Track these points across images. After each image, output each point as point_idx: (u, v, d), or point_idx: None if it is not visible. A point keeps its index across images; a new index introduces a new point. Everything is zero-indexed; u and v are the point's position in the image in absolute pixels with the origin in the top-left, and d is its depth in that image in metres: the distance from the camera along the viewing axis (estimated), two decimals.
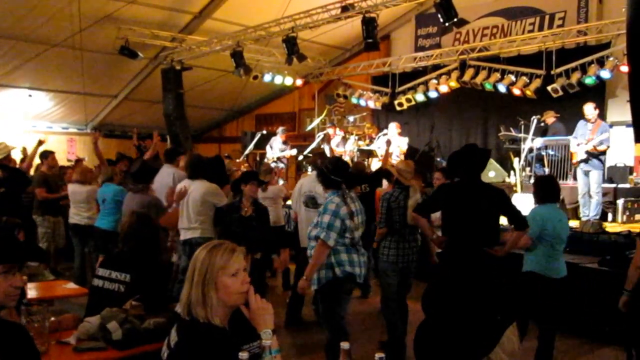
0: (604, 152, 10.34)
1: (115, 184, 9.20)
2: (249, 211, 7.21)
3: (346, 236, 5.79)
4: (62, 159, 14.81)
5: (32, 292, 5.57)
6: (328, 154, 14.24)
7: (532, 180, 11.48)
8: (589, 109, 10.56)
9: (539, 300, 6.26)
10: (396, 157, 13.75)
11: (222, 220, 7.21)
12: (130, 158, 12.88)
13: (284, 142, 16.08)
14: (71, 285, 6.41)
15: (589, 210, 10.33)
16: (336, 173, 5.90)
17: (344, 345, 2.75)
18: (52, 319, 4.35)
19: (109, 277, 4.80)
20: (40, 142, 10.83)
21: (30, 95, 17.00)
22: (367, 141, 15.59)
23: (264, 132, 16.84)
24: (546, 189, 6.54)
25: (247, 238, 6.45)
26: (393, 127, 14.50)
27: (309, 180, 8.33)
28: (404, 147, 14.32)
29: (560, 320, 6.58)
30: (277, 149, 15.88)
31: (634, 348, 5.70)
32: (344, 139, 15.62)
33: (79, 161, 14.73)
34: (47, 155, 11.32)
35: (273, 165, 14.52)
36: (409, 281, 7.19)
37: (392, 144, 14.18)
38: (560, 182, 11.70)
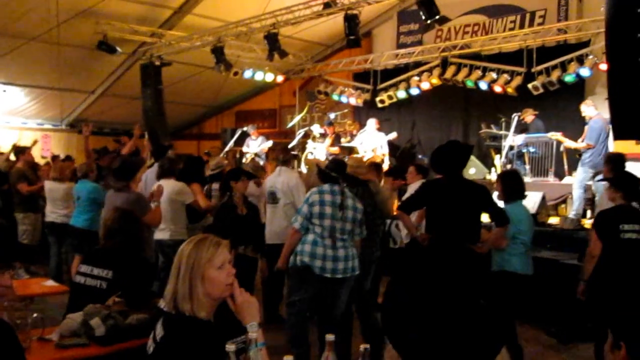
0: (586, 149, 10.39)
1: (91, 180, 9.09)
2: (243, 210, 7.16)
3: (313, 222, 6.01)
4: (36, 156, 14.64)
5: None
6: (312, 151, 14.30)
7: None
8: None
9: (516, 298, 6.30)
10: (372, 153, 13.79)
11: (221, 220, 7.14)
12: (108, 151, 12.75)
13: (257, 138, 16.10)
14: (50, 283, 6.36)
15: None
16: (333, 169, 6.21)
17: (329, 337, 2.77)
18: (34, 315, 4.31)
19: (91, 273, 4.74)
20: (35, 143, 10.75)
21: (4, 91, 16.79)
22: (348, 138, 15.58)
23: (244, 128, 16.76)
24: (513, 186, 6.57)
25: (238, 235, 6.51)
26: (372, 123, 14.52)
27: (272, 176, 8.43)
28: (384, 144, 14.30)
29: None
30: (253, 147, 15.83)
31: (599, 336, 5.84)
32: (323, 136, 15.56)
33: (55, 158, 14.60)
34: (23, 151, 11.20)
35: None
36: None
37: (371, 140, 14.22)
38: (541, 179, 11.82)
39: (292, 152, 14.92)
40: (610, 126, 9.58)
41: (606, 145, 10.44)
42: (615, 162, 7.29)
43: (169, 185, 7.69)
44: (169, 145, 12.97)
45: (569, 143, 11.09)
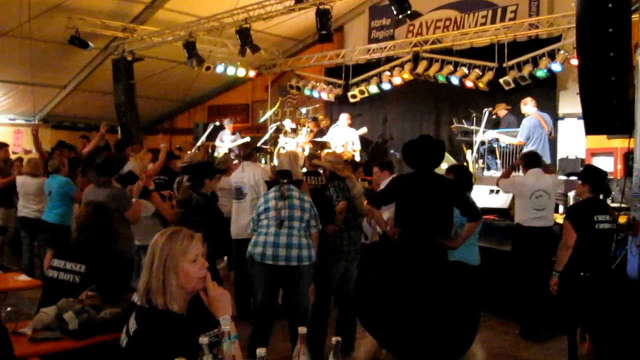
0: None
1: (62, 175, 9.05)
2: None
3: (261, 219, 6.38)
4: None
5: None
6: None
7: (487, 171, 11.71)
8: None
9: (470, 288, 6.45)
10: (342, 148, 13.84)
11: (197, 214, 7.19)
12: (70, 146, 12.69)
13: (233, 134, 16.04)
14: (23, 277, 6.33)
15: None
16: (279, 175, 6.63)
17: (302, 330, 2.80)
18: (8, 309, 4.33)
19: (64, 267, 4.76)
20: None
21: None
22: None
23: (217, 123, 16.69)
24: (463, 179, 6.77)
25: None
26: (344, 119, 14.58)
27: (237, 172, 8.57)
28: (355, 140, 14.34)
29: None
30: (227, 141, 15.79)
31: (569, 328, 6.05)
32: (295, 131, 15.54)
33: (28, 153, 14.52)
34: (1, 146, 11.15)
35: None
36: None
37: (342, 135, 14.26)
38: (512, 174, 11.88)
39: (264, 146, 14.95)
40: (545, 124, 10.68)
41: (543, 142, 11.11)
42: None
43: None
44: (129, 140, 12.91)
45: (504, 138, 11.70)
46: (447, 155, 12.91)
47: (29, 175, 9.65)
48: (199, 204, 6.80)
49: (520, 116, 12.09)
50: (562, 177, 10.49)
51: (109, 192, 7.01)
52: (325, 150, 13.64)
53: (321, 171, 7.55)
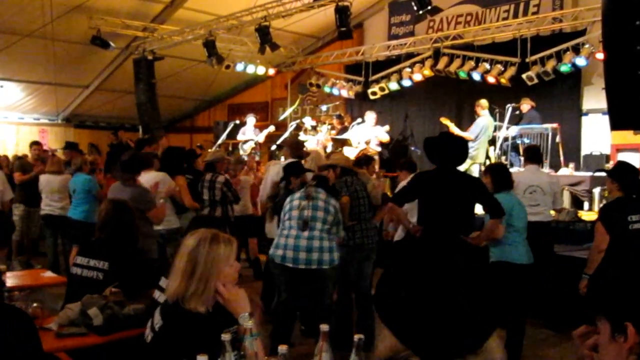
0: None
1: (85, 173, 9.16)
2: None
3: (285, 218, 6.38)
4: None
5: (10, 280, 5.56)
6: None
7: (510, 168, 11.61)
8: None
9: (510, 288, 6.29)
10: (365, 145, 13.77)
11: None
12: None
13: (255, 129, 16.14)
14: (49, 274, 6.39)
15: None
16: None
17: (323, 327, 2.79)
18: (34, 305, 4.40)
19: (87, 265, 4.78)
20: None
21: (1, 86, 16.82)
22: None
23: (237, 122, 16.77)
24: (501, 177, 6.61)
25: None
26: (371, 117, 14.39)
27: (277, 170, 8.40)
28: (383, 137, 14.26)
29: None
30: (250, 136, 15.84)
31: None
32: (315, 129, 15.52)
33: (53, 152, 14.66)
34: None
35: (247, 157, 14.57)
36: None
37: (365, 133, 14.18)
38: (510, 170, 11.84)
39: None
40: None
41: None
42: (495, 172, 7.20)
43: (150, 177, 7.68)
44: (149, 137, 13.00)
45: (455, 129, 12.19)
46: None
47: (53, 173, 9.78)
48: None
49: (542, 112, 11.99)
50: (587, 174, 10.41)
51: (133, 191, 7.03)
52: (345, 148, 13.65)
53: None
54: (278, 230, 6.48)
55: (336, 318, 6.43)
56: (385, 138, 14.28)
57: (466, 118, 14.64)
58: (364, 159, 8.70)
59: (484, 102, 12.18)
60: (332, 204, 6.32)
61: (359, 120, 14.74)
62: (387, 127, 14.65)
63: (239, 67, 16.63)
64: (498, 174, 6.69)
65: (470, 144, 10.63)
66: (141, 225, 6.72)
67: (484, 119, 11.53)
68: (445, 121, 12.48)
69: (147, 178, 7.70)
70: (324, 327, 2.78)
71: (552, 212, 8.49)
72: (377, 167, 11.78)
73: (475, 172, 11.67)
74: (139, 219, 6.61)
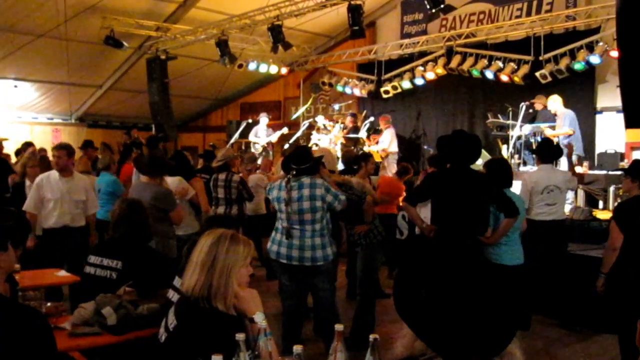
0: None
1: (111, 173, 9.21)
2: None
3: (277, 213, 6.19)
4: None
5: (24, 279, 5.54)
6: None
7: (523, 166, 11.58)
8: None
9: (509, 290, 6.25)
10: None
11: None
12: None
13: (267, 128, 16.18)
14: (63, 273, 6.37)
15: None
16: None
17: (338, 327, 2.76)
18: (48, 304, 4.40)
19: (101, 264, 4.79)
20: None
21: (15, 86, 16.91)
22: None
23: (249, 120, 16.81)
24: (501, 174, 6.55)
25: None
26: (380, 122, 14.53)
27: None
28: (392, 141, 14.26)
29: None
30: (263, 136, 15.86)
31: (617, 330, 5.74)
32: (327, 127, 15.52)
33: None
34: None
35: (262, 154, 14.64)
36: None
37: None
38: (522, 169, 11.76)
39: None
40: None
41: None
42: (495, 168, 7.10)
43: (170, 182, 7.68)
44: (162, 136, 13.03)
45: (549, 132, 11.57)
46: (482, 150, 12.85)
47: (82, 174, 9.83)
48: None
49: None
50: (602, 172, 10.35)
51: (157, 191, 7.03)
52: (366, 147, 13.70)
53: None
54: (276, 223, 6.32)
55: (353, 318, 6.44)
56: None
57: (478, 116, 14.60)
58: (362, 156, 8.62)
59: (557, 97, 11.77)
60: (319, 185, 5.91)
61: (371, 118, 14.76)
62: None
63: (252, 66, 16.67)
64: (498, 170, 6.66)
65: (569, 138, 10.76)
66: (161, 226, 6.77)
67: (568, 111, 11.46)
68: None
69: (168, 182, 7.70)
70: (339, 327, 2.75)
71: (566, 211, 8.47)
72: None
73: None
74: (160, 220, 6.67)
